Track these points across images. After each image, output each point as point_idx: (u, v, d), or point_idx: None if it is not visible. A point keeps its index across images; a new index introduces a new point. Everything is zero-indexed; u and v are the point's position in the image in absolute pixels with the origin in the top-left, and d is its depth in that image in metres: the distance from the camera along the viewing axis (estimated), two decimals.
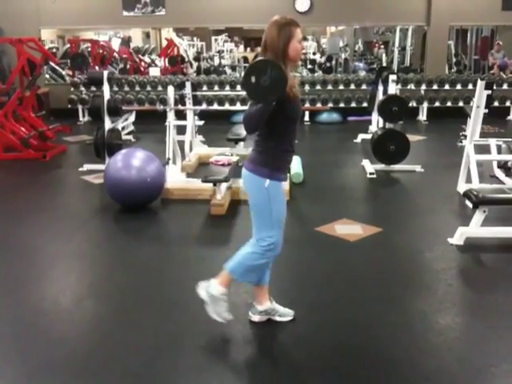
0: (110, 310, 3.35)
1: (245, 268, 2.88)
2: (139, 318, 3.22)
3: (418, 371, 2.69)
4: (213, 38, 18.45)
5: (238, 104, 10.10)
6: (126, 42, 16.32)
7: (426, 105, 10.55)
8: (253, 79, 2.45)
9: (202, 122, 8.28)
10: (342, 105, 10.57)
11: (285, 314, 3.14)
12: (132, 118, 9.31)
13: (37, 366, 2.76)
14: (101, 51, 12.61)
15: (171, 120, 6.00)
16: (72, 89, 10.75)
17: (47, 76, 11.55)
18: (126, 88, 10.77)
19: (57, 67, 9.80)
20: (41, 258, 4.19)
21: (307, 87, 10.71)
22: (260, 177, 2.73)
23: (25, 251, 4.30)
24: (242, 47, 20.99)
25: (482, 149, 5.91)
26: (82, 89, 10.70)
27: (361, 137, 8.60)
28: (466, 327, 3.15)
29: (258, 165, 2.74)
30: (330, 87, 10.77)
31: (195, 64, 15.03)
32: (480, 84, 5.37)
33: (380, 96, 7.83)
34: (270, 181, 2.73)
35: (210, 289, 2.93)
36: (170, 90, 6.20)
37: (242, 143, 7.11)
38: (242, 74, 14.87)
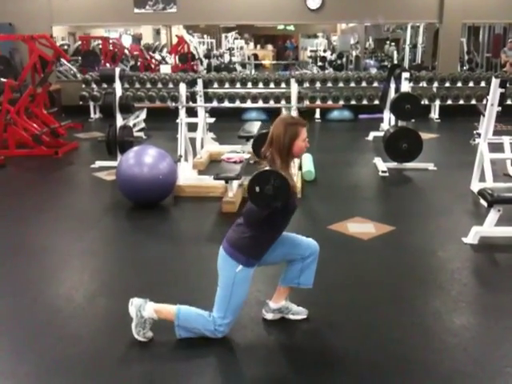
0: (122, 307, 3.33)
1: (192, 326, 2.85)
2: None
3: (433, 372, 2.67)
4: (223, 35, 18.44)
5: (249, 101, 10.07)
6: (136, 39, 16.36)
7: (438, 103, 10.46)
8: (257, 189, 2.60)
9: (212, 120, 8.27)
10: (353, 102, 10.50)
11: (298, 312, 3.13)
12: (143, 115, 9.33)
13: (51, 363, 2.76)
14: (112, 48, 12.63)
15: (183, 117, 5.99)
16: (83, 86, 10.77)
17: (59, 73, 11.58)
18: (137, 85, 10.78)
19: (68, 64, 9.85)
20: (53, 256, 4.20)
21: (318, 84, 10.67)
22: (234, 261, 2.76)
23: (37, 249, 4.32)
24: (252, 44, 20.97)
25: (496, 147, 5.85)
26: (94, 86, 10.72)
27: (372, 134, 8.55)
28: (481, 328, 3.12)
29: (236, 250, 2.77)
30: (341, 85, 10.70)
31: (205, 61, 15.03)
32: (494, 82, 5.32)
33: (392, 94, 7.78)
34: (243, 267, 2.76)
35: (144, 310, 2.88)
36: (182, 87, 6.18)
37: (252, 140, 7.09)
38: (253, 71, 14.85)
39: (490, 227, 4.26)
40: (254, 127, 7.17)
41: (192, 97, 8.16)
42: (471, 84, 10.52)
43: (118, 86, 6.63)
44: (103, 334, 3.04)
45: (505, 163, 6.18)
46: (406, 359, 2.77)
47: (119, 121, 6.59)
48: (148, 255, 4.17)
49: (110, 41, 12.92)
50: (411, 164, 6.61)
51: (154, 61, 14.30)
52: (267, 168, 2.69)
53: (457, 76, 10.61)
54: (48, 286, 3.67)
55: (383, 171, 6.45)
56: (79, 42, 13.43)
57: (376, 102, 10.13)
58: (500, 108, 5.58)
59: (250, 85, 10.57)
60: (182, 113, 6.02)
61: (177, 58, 13.75)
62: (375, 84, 10.63)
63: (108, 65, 11.53)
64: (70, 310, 3.31)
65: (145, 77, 10.90)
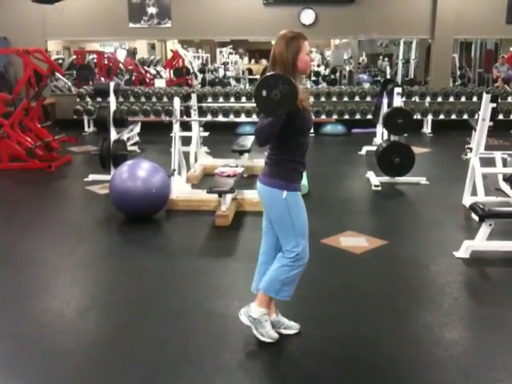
0: (113, 321, 3.34)
1: (279, 283, 2.87)
2: (143, 330, 3.21)
3: None
4: (218, 49, 18.52)
5: (243, 115, 10.12)
6: (131, 53, 16.42)
7: (430, 117, 10.55)
8: (264, 93, 2.49)
9: (206, 134, 8.30)
10: (346, 117, 10.58)
11: (290, 326, 3.13)
12: (137, 128, 9.35)
13: (41, 379, 2.74)
14: (106, 62, 12.68)
15: (177, 131, 6.01)
16: (78, 100, 10.80)
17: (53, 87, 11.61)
18: (132, 99, 10.82)
19: (63, 78, 9.88)
20: (45, 269, 4.19)
21: (312, 99, 10.73)
22: (277, 189, 2.75)
23: (29, 262, 4.30)
24: (246, 59, 21.06)
25: (487, 162, 5.90)
26: (88, 100, 10.75)
27: (365, 149, 8.60)
28: (472, 341, 3.13)
29: (273, 178, 2.76)
30: (334, 99, 10.79)
31: (200, 76, 15.09)
32: (486, 97, 5.37)
33: (385, 108, 7.84)
34: (287, 192, 2.76)
35: (251, 313, 2.96)
36: (177, 101, 6.21)
37: (246, 154, 7.12)
38: (247, 85, 14.93)
39: (482, 241, 4.28)
40: (248, 141, 7.21)
41: (186, 111, 8.20)
42: (463, 99, 10.63)
43: (112, 100, 6.66)
44: (93, 349, 3.02)
45: (496, 178, 6.22)
46: (397, 372, 2.77)
47: (113, 135, 6.61)
48: (140, 268, 4.16)
49: (105, 55, 12.99)
50: (403, 178, 6.65)
51: (148, 75, 14.36)
52: (275, 72, 2.59)
53: (449, 91, 10.71)
54: (38, 299, 3.64)
55: (376, 185, 6.47)
56: (74, 56, 13.48)
57: (369, 116, 10.21)
58: (492, 123, 5.63)
59: (244, 99, 10.62)
60: (176, 127, 6.04)
61: (171, 72, 13.81)
62: (368, 99, 10.72)
63: (103, 79, 11.58)
64: (61, 325, 3.29)
65: (139, 91, 10.94)
